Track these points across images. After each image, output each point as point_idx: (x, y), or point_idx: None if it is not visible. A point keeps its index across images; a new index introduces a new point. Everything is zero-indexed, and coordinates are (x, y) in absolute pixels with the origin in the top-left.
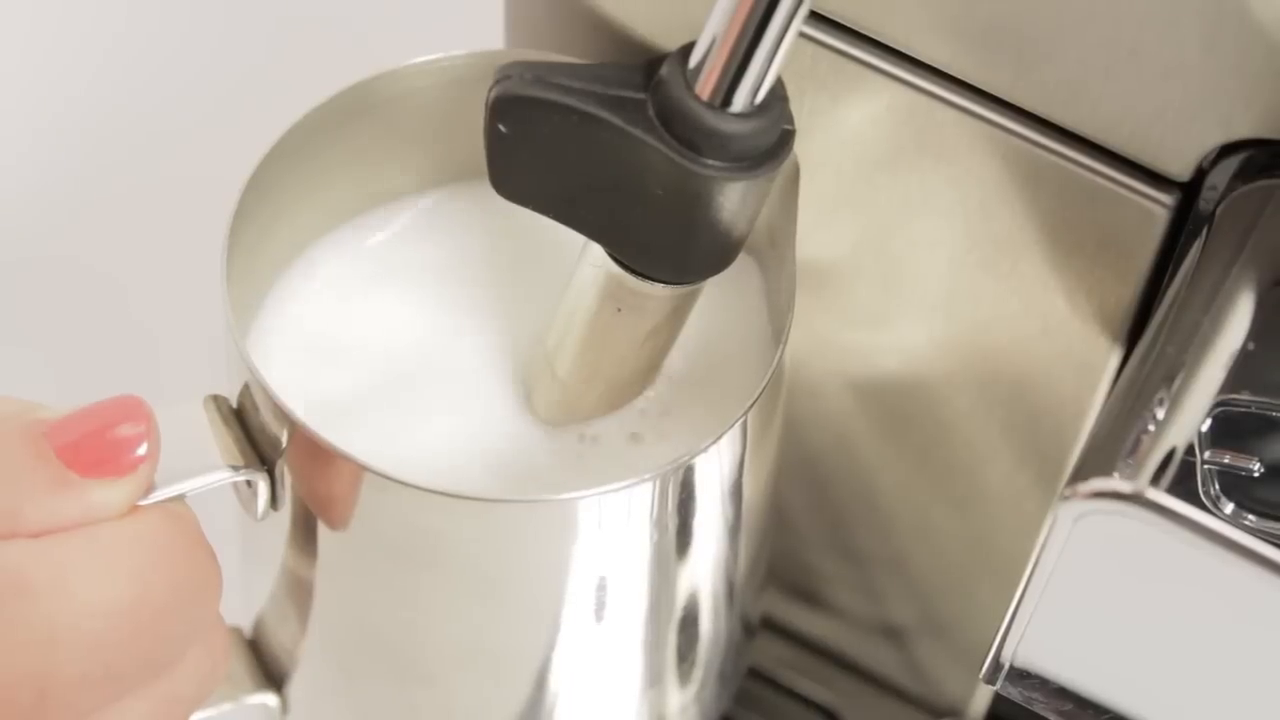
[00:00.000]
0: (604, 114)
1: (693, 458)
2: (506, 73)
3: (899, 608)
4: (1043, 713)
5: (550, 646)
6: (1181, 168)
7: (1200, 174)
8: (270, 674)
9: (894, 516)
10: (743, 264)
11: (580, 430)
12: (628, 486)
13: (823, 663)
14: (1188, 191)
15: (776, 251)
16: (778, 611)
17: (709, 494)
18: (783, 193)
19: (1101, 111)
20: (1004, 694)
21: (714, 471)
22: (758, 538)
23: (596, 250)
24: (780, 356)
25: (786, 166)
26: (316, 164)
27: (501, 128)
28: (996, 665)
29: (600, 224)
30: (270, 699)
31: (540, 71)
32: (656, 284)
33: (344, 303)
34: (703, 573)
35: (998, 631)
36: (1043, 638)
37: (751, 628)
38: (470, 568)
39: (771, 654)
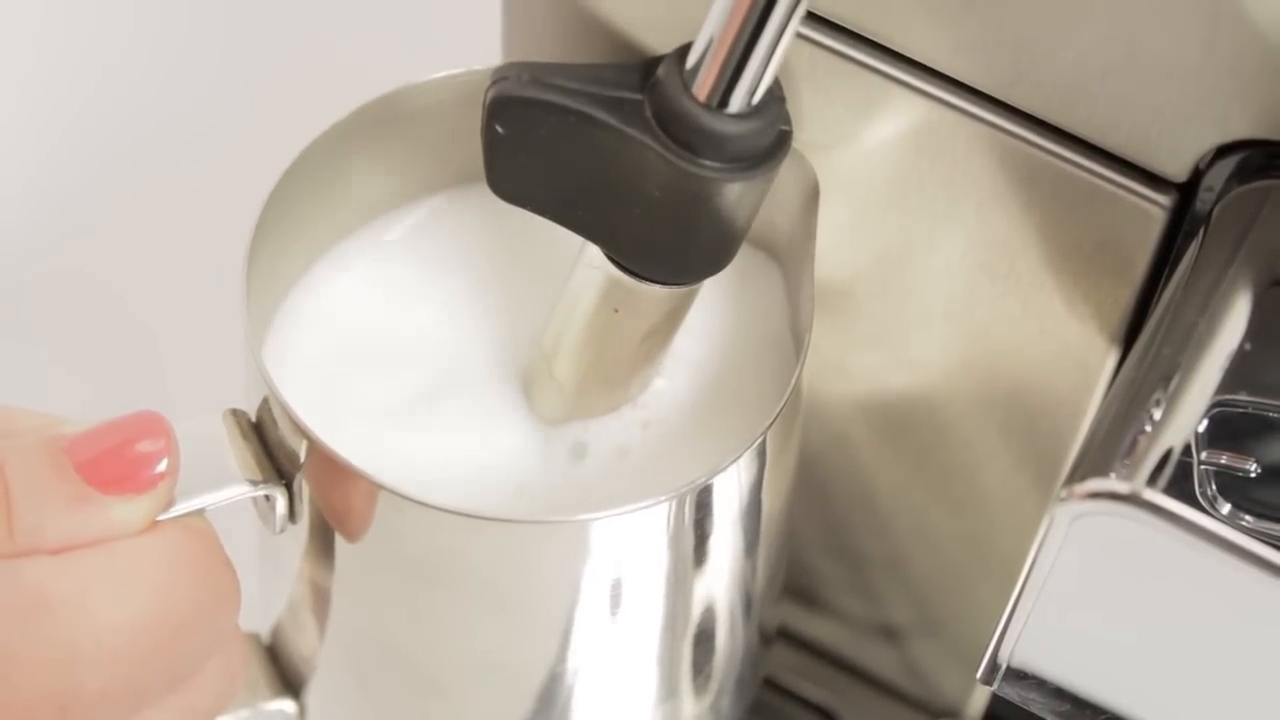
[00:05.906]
0: (601, 114)
1: (710, 477)
2: (503, 73)
3: (897, 609)
4: (1040, 713)
5: (565, 662)
6: (1178, 168)
7: (1197, 175)
8: (288, 680)
9: (892, 518)
10: (761, 276)
11: (586, 442)
12: (645, 507)
13: (821, 664)
14: (1185, 192)
15: (794, 267)
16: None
17: (727, 512)
18: (802, 211)
19: (1099, 112)
20: (1001, 694)
21: (732, 490)
22: (775, 551)
23: (594, 251)
24: (799, 373)
25: (805, 186)
26: (335, 179)
27: (498, 128)
28: (994, 666)
29: (597, 225)
30: (288, 705)
31: (537, 72)
32: (654, 285)
33: (358, 315)
34: (720, 588)
35: (995, 632)
36: (1040, 638)
37: (768, 638)
38: (485, 585)
39: (770, 655)
